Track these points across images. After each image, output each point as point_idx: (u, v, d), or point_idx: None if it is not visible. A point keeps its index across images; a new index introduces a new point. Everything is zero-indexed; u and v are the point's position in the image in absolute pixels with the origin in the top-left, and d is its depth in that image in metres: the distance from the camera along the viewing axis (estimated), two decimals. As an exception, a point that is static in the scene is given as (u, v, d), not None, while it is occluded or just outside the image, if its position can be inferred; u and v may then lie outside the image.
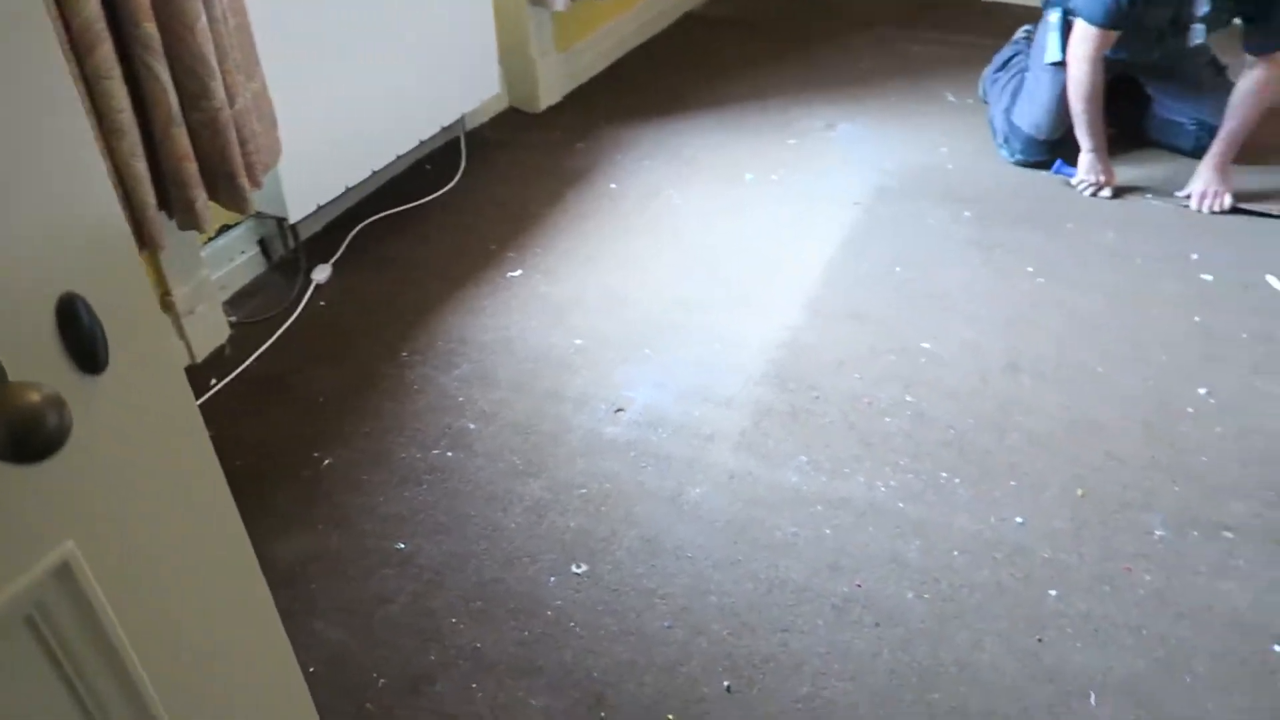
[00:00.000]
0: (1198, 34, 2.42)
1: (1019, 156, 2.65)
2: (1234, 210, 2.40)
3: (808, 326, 2.10)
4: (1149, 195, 2.52)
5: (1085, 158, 2.52)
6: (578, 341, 2.08)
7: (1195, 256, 2.27)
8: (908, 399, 1.90)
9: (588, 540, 1.64)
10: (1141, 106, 2.71)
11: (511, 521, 1.67)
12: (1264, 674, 1.38)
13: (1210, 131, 2.49)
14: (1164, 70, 2.62)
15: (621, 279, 2.28)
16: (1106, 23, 2.38)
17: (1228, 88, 2.47)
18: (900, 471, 1.74)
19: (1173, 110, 2.64)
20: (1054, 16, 2.58)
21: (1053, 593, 1.51)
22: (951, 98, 3.03)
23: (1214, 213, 2.41)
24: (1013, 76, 2.76)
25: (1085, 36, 2.42)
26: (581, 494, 1.72)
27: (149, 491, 0.64)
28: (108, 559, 0.61)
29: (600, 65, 3.28)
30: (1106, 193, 2.50)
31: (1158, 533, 1.60)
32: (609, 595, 1.54)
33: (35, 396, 0.47)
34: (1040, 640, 1.44)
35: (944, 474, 1.73)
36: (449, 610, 1.52)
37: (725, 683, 1.41)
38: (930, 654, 1.43)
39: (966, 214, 2.47)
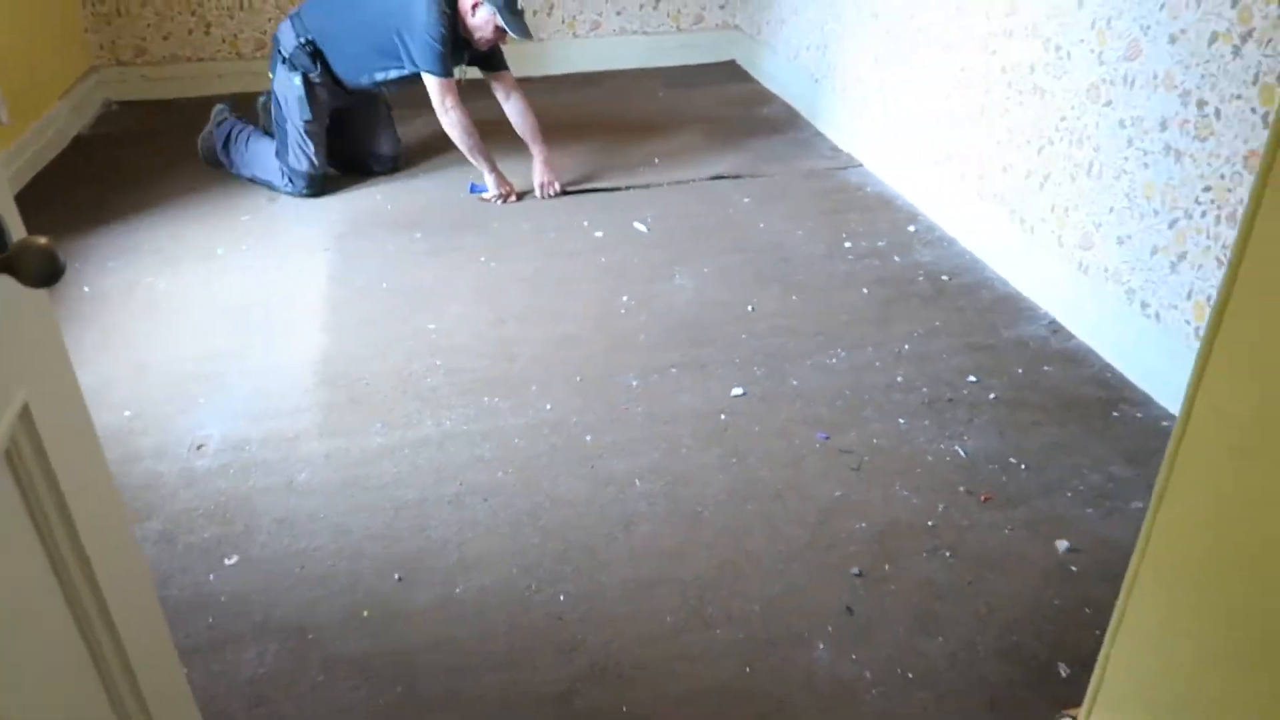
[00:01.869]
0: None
1: (306, 192, 3.25)
2: (565, 193, 3.28)
3: (333, 340, 2.47)
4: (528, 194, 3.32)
5: (489, 178, 3.24)
6: (127, 413, 2.20)
7: (586, 223, 3.10)
8: (436, 363, 2.38)
9: (228, 538, 1.84)
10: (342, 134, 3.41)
11: (147, 551, 1.79)
12: (717, 431, 2.13)
13: (378, 160, 3.40)
14: (365, 106, 3.36)
15: (143, 352, 2.41)
16: (448, 72, 3.09)
17: (393, 123, 3.46)
18: (454, 408, 2.21)
19: (360, 143, 3.40)
20: (298, 80, 3.12)
21: (588, 438, 2.11)
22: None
23: (552, 196, 3.26)
24: (256, 137, 3.33)
25: (442, 90, 3.09)
26: (201, 513, 1.90)
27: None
28: (50, 406, 0.84)
29: (13, 188, 3.21)
30: (514, 199, 3.25)
31: (634, 382, 2.30)
32: (269, 567, 1.78)
33: (45, 240, 0.74)
34: (592, 467, 2.03)
35: (485, 398, 2.25)
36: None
37: (396, 576, 1.75)
38: (529, 501, 1.93)
39: (417, 235, 3.03)
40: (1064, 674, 1.55)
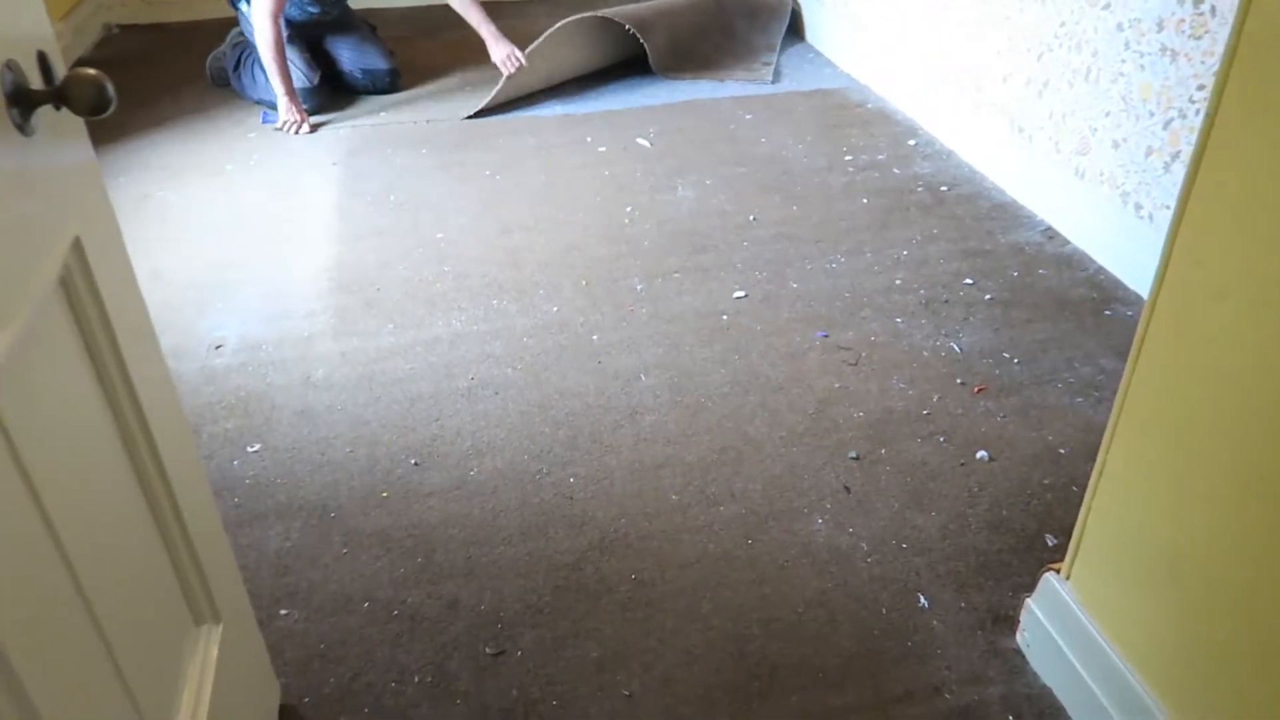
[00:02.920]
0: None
1: (305, 107, 3.25)
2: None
3: (346, 249, 2.53)
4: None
5: (281, 101, 3.16)
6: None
7: (589, 139, 3.13)
8: (445, 269, 2.43)
9: (249, 429, 1.91)
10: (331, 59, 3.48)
11: (173, 442, 1.87)
12: (720, 330, 2.19)
13: (371, 76, 3.43)
14: (340, 28, 3.46)
15: (157, 260, 2.47)
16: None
17: (379, 40, 3.47)
18: (463, 310, 2.27)
19: (346, 62, 3.45)
20: (245, 6, 3.19)
21: (595, 337, 2.17)
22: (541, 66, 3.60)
23: (515, 70, 3.27)
24: (253, 63, 3.34)
25: None
26: (222, 406, 1.98)
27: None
28: (97, 242, 0.90)
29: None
30: (305, 129, 3.18)
31: (639, 286, 2.35)
32: (290, 454, 1.85)
33: (94, 71, 0.80)
34: (599, 362, 2.09)
35: (494, 301, 2.30)
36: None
37: (412, 461, 1.83)
38: (539, 394, 2.00)
39: (424, 151, 3.06)
40: (1050, 543, 1.63)
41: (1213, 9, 1.98)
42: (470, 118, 3.27)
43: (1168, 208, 2.17)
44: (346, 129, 3.23)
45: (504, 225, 2.64)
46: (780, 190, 2.79)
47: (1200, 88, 2.04)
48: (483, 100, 3.30)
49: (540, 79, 3.38)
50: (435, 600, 1.54)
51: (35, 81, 0.80)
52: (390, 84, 3.47)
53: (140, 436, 0.97)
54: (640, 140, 3.11)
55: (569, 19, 3.30)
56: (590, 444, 1.87)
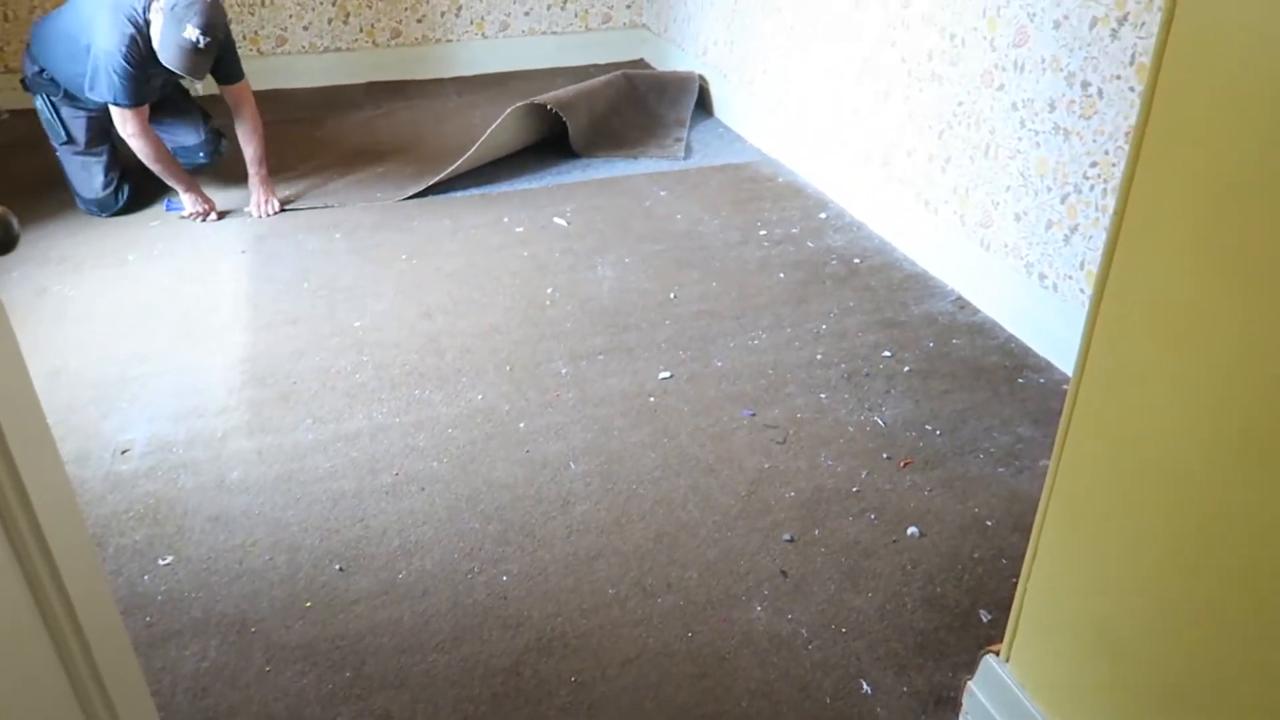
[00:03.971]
0: (195, 88, 3.12)
1: (107, 213, 3.11)
2: (283, 210, 3.16)
3: (259, 339, 2.45)
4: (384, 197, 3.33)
5: (185, 198, 3.09)
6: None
7: (506, 219, 3.13)
8: (364, 358, 2.38)
9: (160, 539, 1.82)
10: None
11: (76, 558, 1.76)
12: (647, 412, 2.18)
13: (184, 152, 3.22)
14: (167, 105, 3.22)
15: (57, 359, 2.35)
16: (135, 103, 2.89)
17: (195, 109, 3.26)
18: (385, 401, 2.22)
19: (180, 137, 3.25)
20: (40, 104, 3.01)
21: (521, 424, 2.14)
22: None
23: (270, 215, 3.13)
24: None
25: (125, 119, 2.89)
26: (130, 516, 1.88)
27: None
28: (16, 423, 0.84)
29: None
30: (213, 217, 3.11)
31: (563, 369, 2.34)
32: (205, 565, 1.76)
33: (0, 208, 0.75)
34: (528, 450, 2.06)
35: (416, 390, 2.26)
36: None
37: (337, 566, 1.76)
38: (467, 487, 1.95)
39: (336, 235, 3.01)
40: (985, 619, 1.65)
41: (1100, 91, 2.09)
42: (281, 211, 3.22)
43: (1070, 277, 2.27)
44: (253, 216, 3.16)
45: (424, 309, 2.60)
46: (698, 266, 2.82)
47: (1093, 164, 2.15)
48: (412, 188, 3.27)
49: (472, 163, 3.36)
50: (366, 717, 1.47)
51: (-66, 221, 0.76)
52: (211, 156, 3.29)
53: (37, 554, 0.90)
54: (558, 219, 3.12)
55: (509, 110, 3.31)
56: (522, 538, 1.83)
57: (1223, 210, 0.92)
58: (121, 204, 3.13)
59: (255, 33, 4.25)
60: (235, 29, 4.22)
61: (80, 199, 3.11)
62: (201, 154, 3.28)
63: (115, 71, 2.82)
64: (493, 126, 3.32)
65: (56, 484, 0.98)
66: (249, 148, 3.16)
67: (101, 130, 3.06)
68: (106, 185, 3.08)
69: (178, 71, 2.85)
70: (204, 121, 3.28)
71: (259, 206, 3.16)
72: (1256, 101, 0.87)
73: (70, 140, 3.03)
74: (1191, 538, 1.01)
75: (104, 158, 3.08)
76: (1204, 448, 0.98)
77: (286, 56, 4.33)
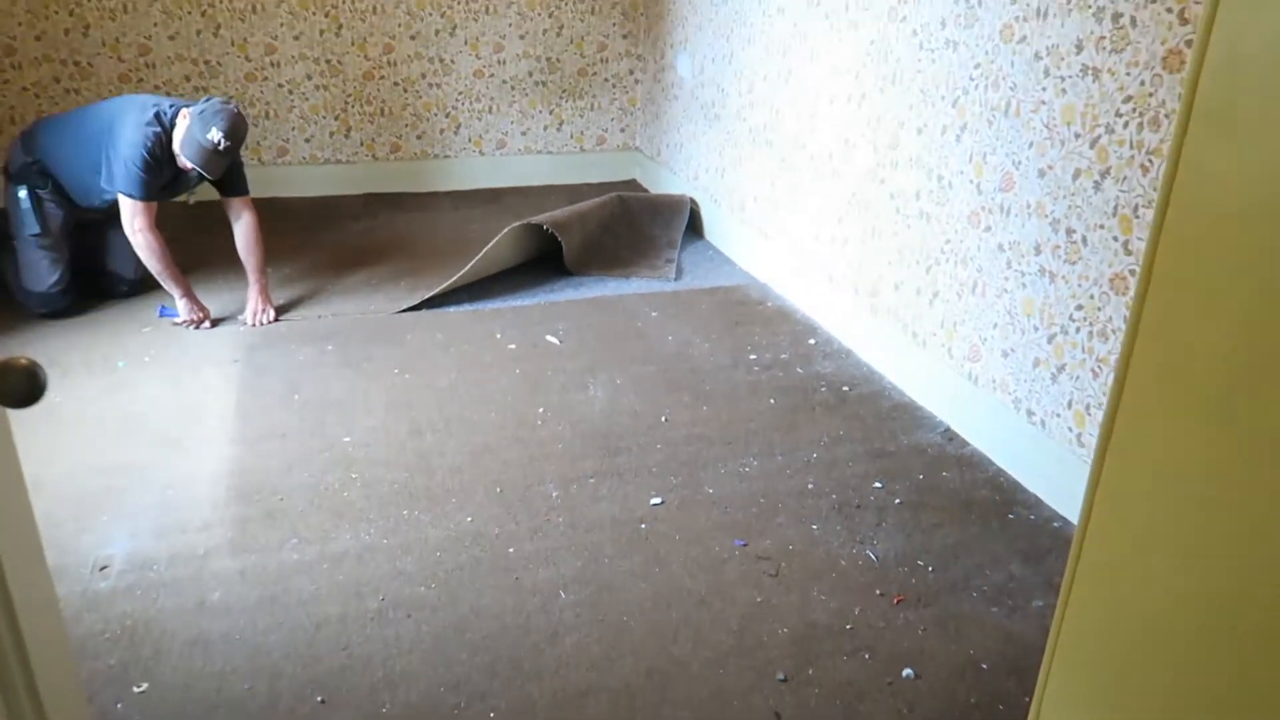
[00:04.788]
0: (191, 195, 3.26)
1: (43, 311, 3.12)
2: (278, 319, 3.18)
3: (246, 453, 2.43)
4: (454, 307, 3.37)
5: (181, 304, 3.12)
6: (21, 533, 2.09)
7: (499, 336, 3.15)
8: (352, 475, 2.36)
9: (136, 664, 1.76)
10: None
11: (47, 683, 1.70)
12: (639, 539, 2.16)
13: (133, 285, 3.26)
14: (110, 226, 3.18)
15: (39, 467, 2.32)
16: (148, 196, 2.97)
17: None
18: (372, 521, 2.19)
19: (113, 266, 3.27)
20: (23, 193, 3.07)
21: (511, 549, 2.12)
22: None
23: (265, 325, 3.15)
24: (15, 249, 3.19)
25: (136, 212, 2.97)
26: (106, 638, 1.82)
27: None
28: (12, 545, 0.83)
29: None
30: (207, 325, 3.13)
31: (554, 492, 2.32)
32: (181, 693, 1.70)
33: (27, 360, 0.76)
34: (517, 578, 2.03)
35: (405, 510, 2.23)
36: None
37: (318, 698, 1.70)
38: (454, 615, 1.91)
39: (329, 347, 3.02)
40: (982, 769, 1.62)
41: (1084, 239, 2.17)
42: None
43: (1058, 415, 2.30)
44: (247, 323, 3.17)
45: (414, 426, 2.59)
46: (689, 389, 2.84)
47: (1079, 307, 2.21)
48: (406, 301, 3.30)
49: (467, 279, 3.41)
50: None
51: (-38, 369, 0.76)
52: (130, 290, 3.31)
53: (19, 675, 0.87)
54: (550, 337, 3.15)
55: (506, 229, 3.39)
56: (510, 671, 1.78)
57: (1231, 377, 0.94)
58: (65, 305, 3.14)
59: (257, 143, 4.35)
60: (238, 139, 4.31)
61: (25, 293, 3.10)
62: (128, 287, 3.29)
63: (136, 164, 2.93)
64: (489, 245, 3.39)
65: (47, 616, 0.96)
66: (251, 258, 3.21)
67: (74, 229, 3.16)
68: (57, 283, 3.11)
69: (195, 166, 2.95)
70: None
71: (255, 315, 3.18)
72: (1263, 264, 0.90)
73: (42, 233, 3.08)
74: (1200, 695, 1.00)
75: (64, 256, 3.13)
76: (1208, 618, 0.98)
77: (287, 167, 4.42)
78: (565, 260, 3.61)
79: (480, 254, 3.37)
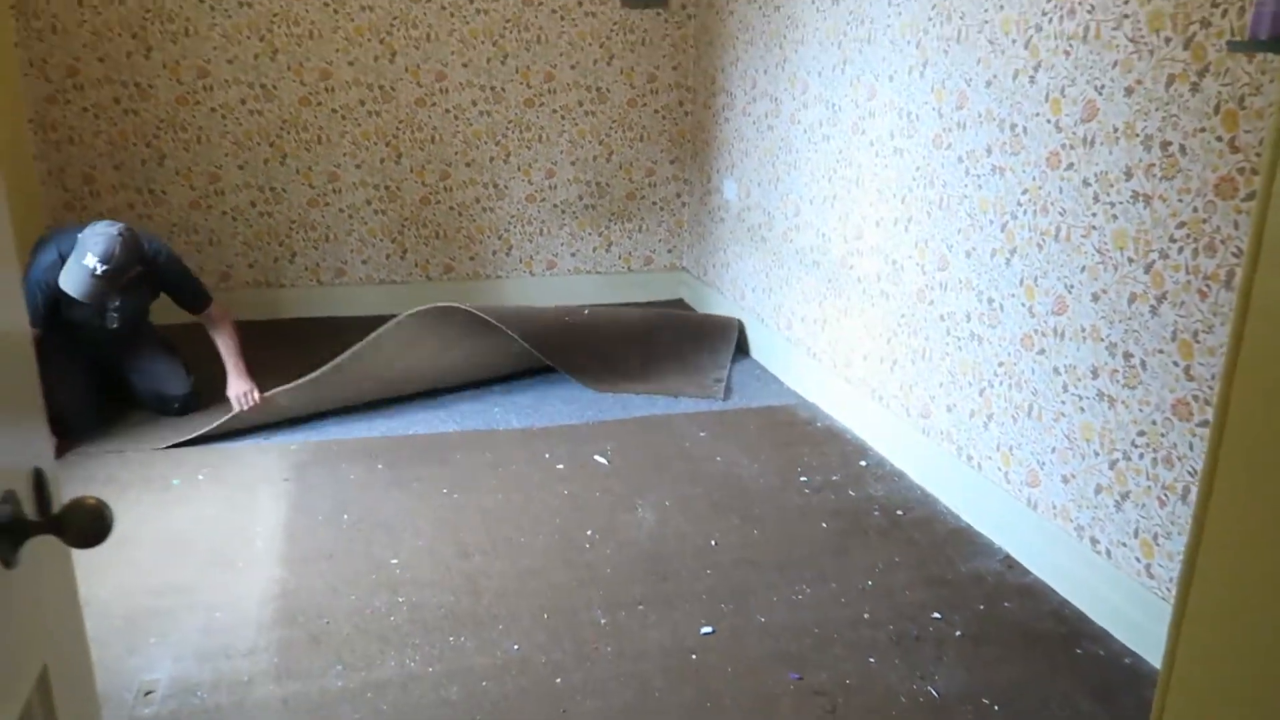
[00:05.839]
0: (112, 320, 3.25)
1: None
2: (265, 399, 3.20)
3: (293, 574, 2.42)
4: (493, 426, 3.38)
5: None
6: (68, 654, 2.09)
7: (547, 456, 3.15)
8: (399, 599, 2.33)
9: (174, 797, 1.71)
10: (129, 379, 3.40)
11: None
12: (689, 671, 2.10)
13: (162, 401, 3.33)
14: (133, 348, 3.36)
15: (90, 587, 2.32)
16: (34, 324, 2.92)
17: (178, 361, 3.41)
18: (418, 647, 2.15)
19: (137, 385, 3.36)
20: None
21: (558, 680, 2.06)
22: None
23: (251, 406, 3.17)
24: None
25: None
26: (146, 768, 1.78)
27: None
28: (65, 673, 0.82)
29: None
30: (255, 397, 3.18)
31: (602, 619, 2.27)
32: (218, 829, 1.65)
33: (95, 500, 0.76)
34: (564, 710, 1.97)
35: (450, 637, 2.19)
36: None
37: (358, 838, 1.64)
38: (498, 750, 1.85)
39: (379, 465, 3.04)
40: None
41: (1143, 363, 2.13)
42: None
43: (1124, 544, 2.22)
44: (299, 440, 3.21)
45: (461, 548, 2.57)
46: (738, 511, 2.80)
47: (1141, 433, 2.15)
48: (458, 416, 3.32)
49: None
50: None
51: (30, 508, 0.77)
52: (182, 409, 3.35)
53: None
54: (598, 457, 3.14)
55: (404, 314, 3.39)
56: (555, 812, 1.71)
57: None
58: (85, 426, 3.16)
59: (316, 264, 4.49)
60: (300, 261, 4.47)
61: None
62: (181, 405, 3.34)
63: (30, 290, 2.99)
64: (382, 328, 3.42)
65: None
66: (227, 346, 3.29)
67: (76, 356, 3.21)
68: (61, 401, 3.01)
69: (70, 294, 2.96)
70: (187, 374, 3.38)
71: (239, 399, 3.20)
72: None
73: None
74: None
75: (73, 382, 3.15)
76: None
77: (344, 287, 4.55)
78: (584, 383, 3.64)
79: (366, 339, 3.34)
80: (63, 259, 3.04)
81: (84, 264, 2.94)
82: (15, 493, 0.74)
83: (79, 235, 3.03)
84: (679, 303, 4.89)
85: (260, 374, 3.33)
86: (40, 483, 0.78)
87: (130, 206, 4.24)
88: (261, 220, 4.39)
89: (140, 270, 3.14)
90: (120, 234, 3.02)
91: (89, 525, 0.76)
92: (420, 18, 4.31)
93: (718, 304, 4.50)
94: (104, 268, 2.95)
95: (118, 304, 3.20)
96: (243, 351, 3.34)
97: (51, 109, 4.08)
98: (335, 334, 4.22)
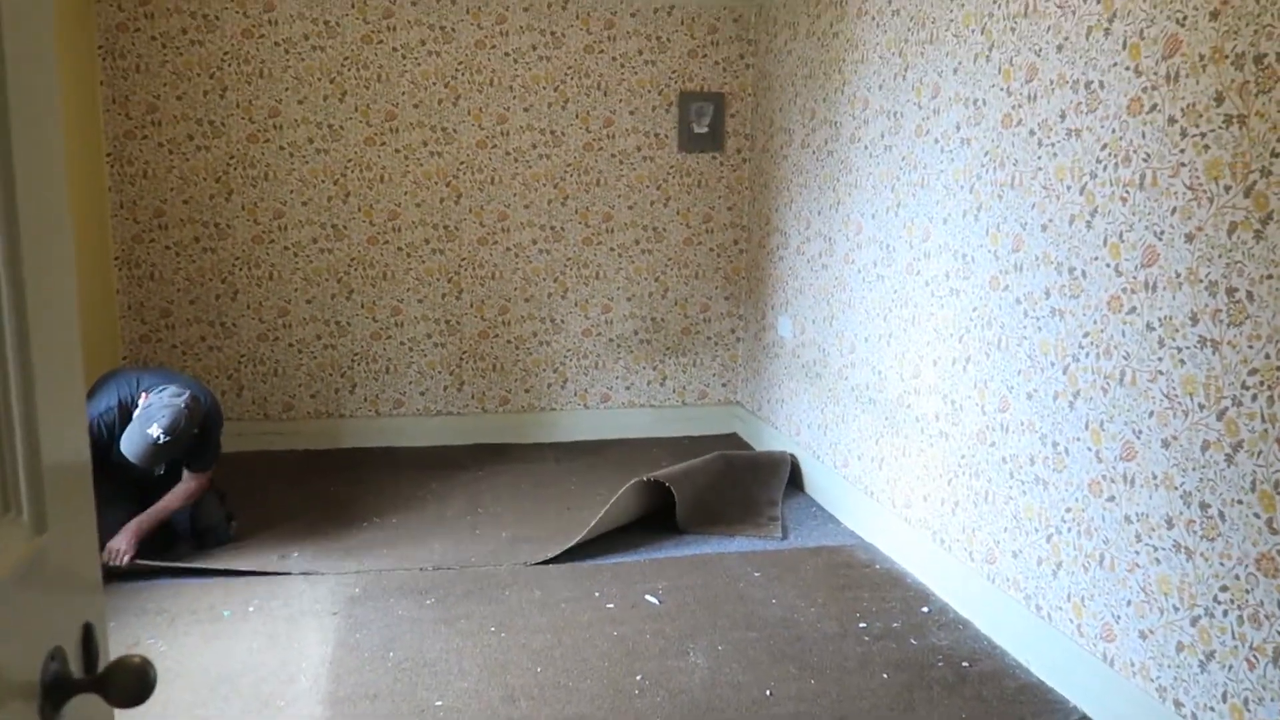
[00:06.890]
0: (159, 470, 3.27)
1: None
2: (134, 564, 3.08)
3: (335, 716, 2.36)
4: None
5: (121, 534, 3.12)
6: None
7: (597, 594, 3.09)
8: (442, 746, 2.26)
9: None
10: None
11: None
12: (746, 837, 1.97)
13: (201, 535, 3.35)
14: (170, 479, 3.34)
15: (133, 727, 2.29)
16: None
17: (213, 492, 3.41)
18: (459, 800, 2.07)
19: (201, 515, 3.38)
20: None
21: (603, 841, 1.95)
22: (370, 521, 3.64)
23: (116, 565, 3.03)
24: None
25: None
26: None
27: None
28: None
29: None
30: (119, 563, 3.05)
31: (651, 775, 2.17)
32: None
33: (140, 659, 0.75)
34: None
35: (493, 789, 2.10)
36: None
37: None
38: None
39: (429, 601, 3.00)
40: None
41: (1220, 514, 2.04)
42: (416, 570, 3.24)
43: (1211, 709, 2.07)
44: (351, 574, 3.19)
45: (507, 691, 2.50)
46: (795, 659, 2.69)
47: (1224, 589, 2.04)
48: (513, 552, 3.30)
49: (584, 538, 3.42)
50: None
51: (77, 664, 0.76)
52: (220, 540, 3.39)
53: None
54: (649, 597, 3.06)
55: (626, 486, 3.46)
56: None
57: None
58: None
59: (376, 396, 4.58)
60: (360, 392, 4.56)
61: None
62: (217, 537, 3.37)
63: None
64: (611, 501, 3.41)
65: None
66: (167, 501, 3.24)
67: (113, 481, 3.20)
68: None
69: (128, 458, 3.02)
70: (221, 503, 3.43)
71: (110, 552, 3.06)
72: None
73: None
74: None
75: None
76: None
77: (401, 418, 4.62)
78: (678, 519, 3.58)
79: (604, 510, 3.39)
80: (121, 405, 3.14)
81: (148, 433, 3.02)
82: (63, 649, 0.73)
83: (142, 398, 3.12)
84: (733, 437, 4.85)
85: (318, 503, 3.35)
86: (88, 637, 0.78)
87: (202, 339, 4.39)
88: (325, 353, 4.51)
89: (196, 434, 3.21)
90: (186, 405, 3.09)
91: (132, 685, 0.74)
92: (485, 163, 4.51)
93: (772, 439, 4.46)
94: (167, 439, 3.03)
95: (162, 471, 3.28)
96: (163, 518, 3.25)
97: (137, 247, 4.30)
98: (392, 465, 4.26)
